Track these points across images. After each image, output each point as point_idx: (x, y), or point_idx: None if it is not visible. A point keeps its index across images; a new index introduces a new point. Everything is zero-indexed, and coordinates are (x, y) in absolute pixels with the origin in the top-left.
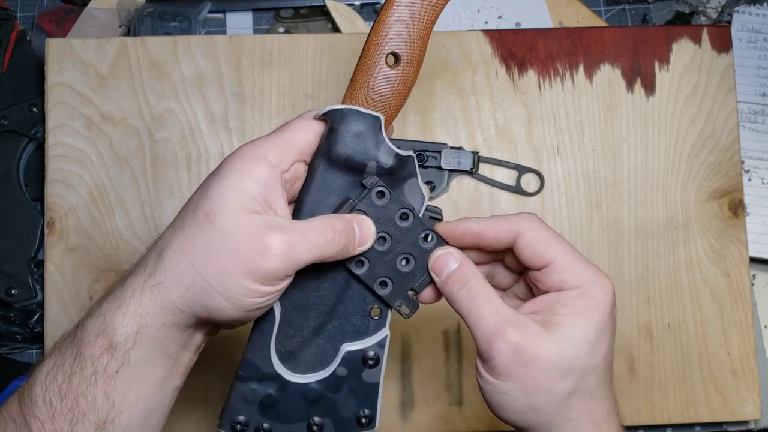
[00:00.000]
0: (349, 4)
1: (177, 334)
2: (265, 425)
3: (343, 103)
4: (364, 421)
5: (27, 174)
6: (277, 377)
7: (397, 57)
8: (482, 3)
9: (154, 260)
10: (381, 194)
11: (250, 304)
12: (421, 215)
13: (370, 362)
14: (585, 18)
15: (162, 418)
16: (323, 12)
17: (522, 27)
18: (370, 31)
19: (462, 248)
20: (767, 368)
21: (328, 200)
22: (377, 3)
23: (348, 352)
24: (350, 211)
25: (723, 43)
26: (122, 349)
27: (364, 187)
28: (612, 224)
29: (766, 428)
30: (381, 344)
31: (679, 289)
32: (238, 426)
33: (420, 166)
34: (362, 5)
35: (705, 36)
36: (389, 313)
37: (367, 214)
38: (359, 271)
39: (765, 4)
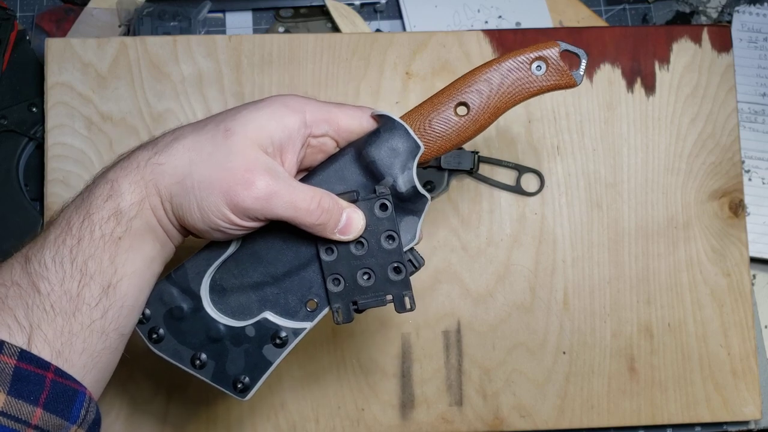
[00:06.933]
0: (349, 4)
1: (164, 220)
2: (161, 331)
3: (402, 117)
4: (239, 386)
5: (27, 174)
6: (197, 299)
7: (467, 108)
8: (482, 3)
9: (165, 144)
10: (384, 207)
11: (214, 223)
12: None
13: (278, 341)
14: (585, 18)
15: (144, 300)
16: (323, 12)
17: (522, 27)
18: (461, 76)
19: None
20: (767, 368)
21: (335, 186)
22: (377, 2)
23: (266, 320)
24: (350, 201)
25: (723, 43)
26: (126, 216)
27: (374, 191)
28: (612, 224)
29: (766, 428)
30: (296, 332)
31: (679, 289)
32: (141, 316)
33: (420, 166)
34: (362, 5)
35: (705, 36)
36: (322, 314)
37: None
38: (323, 257)
39: (765, 4)
